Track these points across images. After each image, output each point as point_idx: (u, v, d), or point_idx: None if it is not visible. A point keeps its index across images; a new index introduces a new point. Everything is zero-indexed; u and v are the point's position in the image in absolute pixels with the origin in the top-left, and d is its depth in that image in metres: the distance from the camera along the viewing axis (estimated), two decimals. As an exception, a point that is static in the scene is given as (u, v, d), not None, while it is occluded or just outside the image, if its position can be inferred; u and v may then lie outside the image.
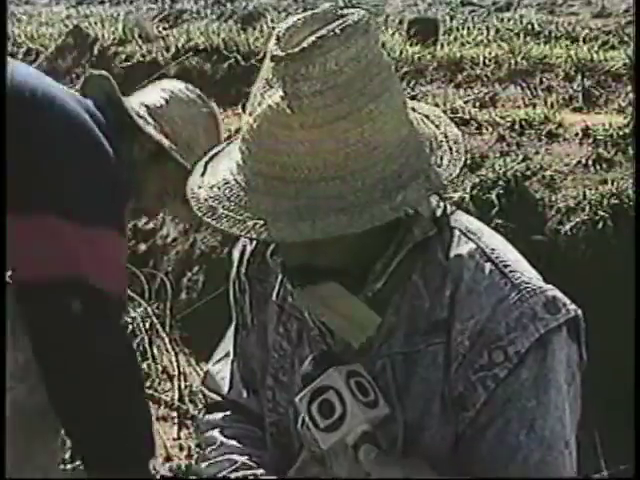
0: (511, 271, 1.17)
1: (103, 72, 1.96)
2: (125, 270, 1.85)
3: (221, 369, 1.50)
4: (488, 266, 1.17)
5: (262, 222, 1.06)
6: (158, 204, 2.03)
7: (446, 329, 1.16)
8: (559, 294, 1.17)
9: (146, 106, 1.92)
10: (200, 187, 1.14)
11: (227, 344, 1.50)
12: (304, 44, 1.03)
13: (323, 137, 1.04)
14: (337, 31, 1.04)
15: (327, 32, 1.04)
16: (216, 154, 1.21)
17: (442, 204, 1.25)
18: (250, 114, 1.09)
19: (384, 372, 1.20)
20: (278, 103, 1.04)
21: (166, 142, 1.88)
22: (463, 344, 1.15)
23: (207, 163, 1.19)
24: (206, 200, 1.11)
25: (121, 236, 1.80)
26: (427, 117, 1.19)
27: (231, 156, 1.15)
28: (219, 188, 1.12)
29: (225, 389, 1.48)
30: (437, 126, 1.18)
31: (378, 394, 1.15)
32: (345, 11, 1.09)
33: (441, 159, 1.13)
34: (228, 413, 1.47)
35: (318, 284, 1.18)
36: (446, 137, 1.16)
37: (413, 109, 1.19)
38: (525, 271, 1.19)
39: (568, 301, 1.17)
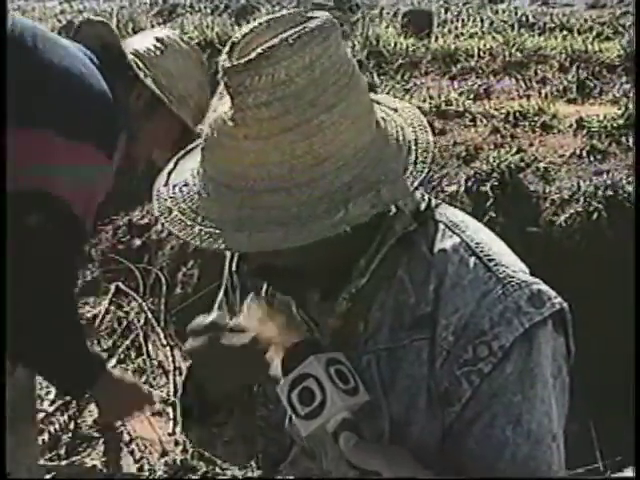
0: (495, 265, 1.16)
1: (100, 18, 1.96)
2: (96, 200, 1.80)
3: None
4: (472, 260, 1.16)
5: (208, 230, 1.06)
6: (147, 154, 2.02)
7: (430, 324, 1.16)
8: (544, 287, 1.16)
9: (140, 55, 1.91)
10: (165, 185, 1.14)
11: None
12: (252, 55, 1.01)
13: (268, 149, 1.02)
14: (290, 40, 1.01)
15: (280, 41, 1.01)
16: (189, 151, 1.21)
17: (426, 198, 1.24)
18: (208, 118, 1.09)
19: (369, 368, 1.19)
20: (225, 112, 1.03)
21: (163, 96, 1.89)
22: (447, 339, 1.14)
23: (178, 160, 1.19)
24: (165, 200, 1.11)
25: (107, 161, 1.78)
26: (395, 110, 1.17)
27: (196, 158, 1.14)
28: (180, 189, 1.12)
29: None
30: (402, 128, 1.15)
31: (358, 382, 1.15)
32: (310, 14, 1.07)
33: (405, 169, 1.09)
34: None
35: (279, 283, 1.19)
36: (415, 140, 1.13)
37: (377, 102, 1.16)
38: (510, 265, 1.17)
39: (553, 294, 1.16)
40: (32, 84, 1.72)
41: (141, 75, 1.86)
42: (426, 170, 1.09)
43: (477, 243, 1.18)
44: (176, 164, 1.18)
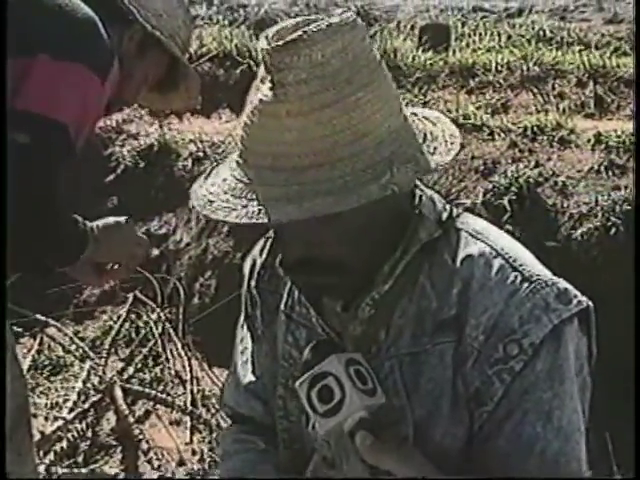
0: (521, 265, 1.18)
1: None
2: (88, 123, 1.79)
3: (231, 381, 1.53)
4: (498, 261, 1.19)
5: (254, 209, 1.09)
6: (137, 94, 2.06)
7: (456, 327, 1.18)
8: (570, 286, 1.18)
9: None
10: (201, 187, 1.18)
11: (235, 356, 1.53)
12: (288, 38, 1.07)
13: (310, 124, 1.07)
14: (322, 26, 1.07)
15: (313, 28, 1.08)
16: (218, 164, 1.24)
17: (448, 207, 1.27)
18: (245, 112, 1.12)
19: (392, 373, 1.22)
20: (266, 94, 1.08)
21: (157, 33, 1.94)
22: (478, 339, 1.16)
23: (212, 169, 1.23)
24: (204, 196, 1.15)
25: (99, 85, 1.77)
26: (426, 118, 1.22)
27: (232, 158, 1.19)
28: (218, 185, 1.15)
29: (232, 402, 1.52)
30: (434, 124, 1.21)
31: (376, 383, 1.17)
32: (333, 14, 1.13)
33: (434, 149, 1.15)
34: (238, 426, 1.51)
35: (318, 278, 1.20)
36: (442, 131, 1.19)
37: (414, 114, 1.21)
38: (534, 265, 1.20)
39: (579, 293, 1.18)
40: (17, 13, 1.73)
41: (137, 15, 1.91)
42: (456, 150, 1.16)
43: (502, 247, 1.21)
44: (210, 172, 1.21)
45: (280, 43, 1.07)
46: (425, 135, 1.17)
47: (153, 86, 2.04)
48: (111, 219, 1.94)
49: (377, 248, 1.20)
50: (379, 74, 1.12)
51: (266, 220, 1.08)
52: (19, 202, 1.63)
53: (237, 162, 1.15)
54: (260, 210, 1.08)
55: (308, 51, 1.06)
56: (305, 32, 1.07)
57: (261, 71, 1.11)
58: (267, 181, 1.10)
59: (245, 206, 1.09)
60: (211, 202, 1.13)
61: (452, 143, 1.17)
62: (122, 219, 1.96)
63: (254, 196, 1.10)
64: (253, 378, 1.47)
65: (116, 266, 2.01)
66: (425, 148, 1.15)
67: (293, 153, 1.08)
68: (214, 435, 3.14)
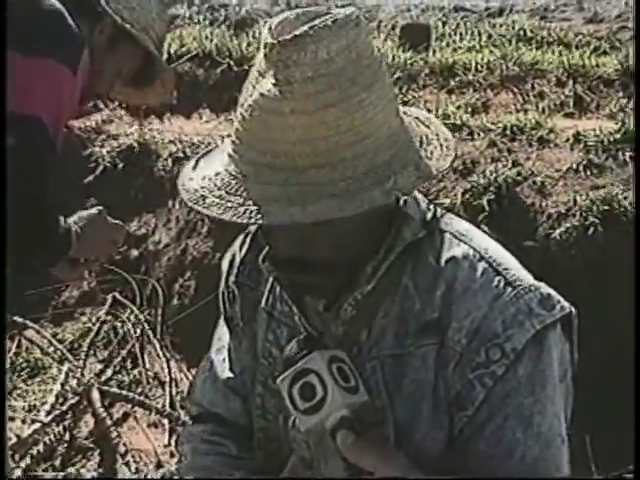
0: (505, 269, 1.18)
1: None
2: (64, 117, 1.78)
3: (206, 379, 1.51)
4: (482, 265, 1.18)
5: (253, 208, 1.06)
6: (110, 87, 2.05)
7: (438, 329, 1.17)
8: (553, 291, 1.18)
9: None
10: (191, 179, 1.15)
11: (211, 354, 1.51)
12: (296, 32, 1.05)
13: (314, 124, 1.05)
14: (329, 22, 1.06)
15: (319, 23, 1.06)
16: (208, 152, 1.22)
17: (432, 207, 1.26)
18: (241, 105, 1.10)
19: (374, 374, 1.21)
20: (269, 90, 1.05)
21: (127, 26, 1.92)
22: (460, 343, 1.15)
23: (199, 159, 1.20)
24: (196, 190, 1.12)
25: (71, 77, 1.76)
26: (417, 119, 1.21)
27: (223, 151, 1.16)
28: (210, 179, 1.12)
29: (206, 401, 1.49)
30: (427, 126, 1.20)
31: (359, 381, 1.16)
32: (335, 10, 1.11)
33: (431, 153, 1.14)
34: (209, 426, 1.47)
35: (306, 277, 1.19)
36: (437, 135, 1.18)
37: (405, 113, 1.20)
38: (518, 269, 1.20)
39: (562, 299, 1.18)
40: None
41: (107, 9, 1.89)
42: (452, 155, 1.16)
43: (485, 249, 1.21)
44: (197, 163, 1.19)
45: (288, 38, 1.05)
46: (421, 138, 1.17)
47: (128, 80, 2.02)
48: (84, 213, 1.92)
49: (363, 248, 1.20)
50: (381, 75, 1.11)
51: (267, 221, 1.06)
52: (15, 204, 1.62)
53: (230, 156, 1.12)
54: (258, 209, 1.06)
55: (314, 47, 1.04)
56: (312, 27, 1.05)
57: (260, 65, 1.08)
58: (265, 179, 1.07)
59: (242, 204, 1.07)
60: (204, 197, 1.10)
61: (447, 147, 1.16)
62: (94, 211, 1.94)
63: (250, 194, 1.08)
64: (232, 375, 1.46)
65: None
66: (423, 152, 1.14)
67: (294, 152, 1.06)
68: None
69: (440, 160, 1.14)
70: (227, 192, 1.09)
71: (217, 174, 1.12)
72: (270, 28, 1.08)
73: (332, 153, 1.06)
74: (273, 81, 1.05)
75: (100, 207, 1.97)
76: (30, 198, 1.66)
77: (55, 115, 1.71)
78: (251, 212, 1.06)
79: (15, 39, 1.69)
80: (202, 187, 1.12)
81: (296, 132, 1.05)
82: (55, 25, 1.75)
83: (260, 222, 1.06)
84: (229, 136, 1.15)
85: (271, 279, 1.33)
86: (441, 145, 1.16)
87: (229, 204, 1.08)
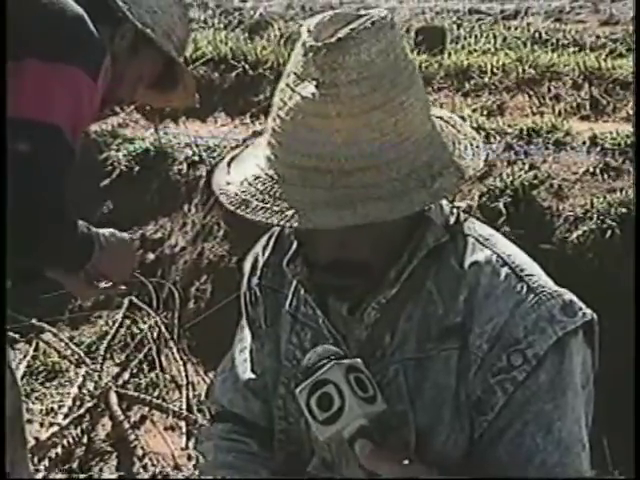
0: (527, 275, 1.19)
1: None
2: (83, 124, 1.78)
3: (226, 378, 1.52)
4: (504, 270, 1.19)
5: (301, 211, 1.07)
6: (131, 93, 2.04)
7: (460, 334, 1.18)
8: (575, 298, 1.19)
9: None
10: (229, 184, 1.15)
11: (233, 354, 1.52)
12: (339, 35, 1.06)
13: (359, 126, 1.06)
14: (368, 24, 1.07)
15: (359, 25, 1.07)
16: (235, 156, 1.23)
17: (455, 212, 1.27)
18: (279, 108, 1.10)
19: (397, 378, 1.22)
20: (314, 93, 1.06)
21: (148, 31, 1.91)
22: (481, 348, 1.16)
23: (229, 164, 1.20)
24: (237, 195, 1.12)
25: (92, 84, 1.75)
26: (442, 118, 1.22)
27: (256, 154, 1.16)
28: (250, 183, 1.12)
29: (225, 400, 1.50)
30: (453, 126, 1.21)
31: (377, 390, 1.17)
32: (363, 12, 1.12)
33: (465, 153, 1.16)
34: (228, 425, 1.48)
35: (346, 280, 1.20)
36: (465, 135, 1.19)
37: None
38: (540, 275, 1.21)
39: (583, 305, 1.19)
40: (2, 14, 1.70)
41: (128, 14, 1.87)
42: (484, 154, 1.18)
43: (508, 255, 1.22)
44: (229, 167, 1.19)
45: (332, 40, 1.06)
46: (452, 139, 1.18)
47: (151, 84, 2.02)
48: (116, 232, 1.92)
49: (391, 250, 1.21)
50: (416, 77, 1.12)
51: (317, 225, 1.07)
52: (29, 211, 1.62)
53: (269, 159, 1.13)
54: (306, 213, 1.07)
55: (356, 50, 1.06)
56: (353, 30, 1.06)
57: (298, 67, 1.09)
58: (311, 183, 1.08)
59: (288, 208, 1.08)
60: (246, 202, 1.10)
61: (477, 147, 1.18)
62: (127, 236, 1.95)
63: (296, 198, 1.08)
64: (253, 376, 1.46)
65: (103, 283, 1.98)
66: (457, 152, 1.15)
67: (340, 155, 1.07)
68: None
69: (475, 159, 1.15)
70: (270, 196, 1.09)
71: (257, 178, 1.12)
72: (309, 30, 1.09)
73: (377, 155, 1.07)
74: (317, 84, 1.06)
75: (132, 235, 1.97)
76: (47, 205, 1.66)
77: (73, 123, 1.70)
78: (300, 216, 1.06)
79: (35, 45, 1.69)
80: (242, 191, 1.12)
81: (342, 135, 1.06)
82: (77, 31, 1.74)
83: (309, 226, 1.07)
84: (257, 135, 1.15)
85: (295, 282, 1.34)
86: (471, 144, 1.18)
87: (275, 208, 1.08)
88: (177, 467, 3.09)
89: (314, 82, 1.06)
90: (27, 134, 1.63)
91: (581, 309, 1.18)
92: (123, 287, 2.05)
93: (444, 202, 1.28)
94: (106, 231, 1.88)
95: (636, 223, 3.13)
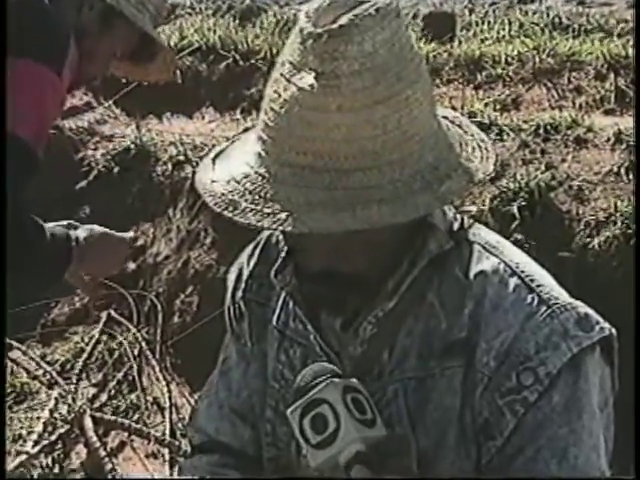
0: (538, 285, 1.19)
1: None
2: (48, 123, 1.79)
3: (211, 403, 1.51)
4: (513, 281, 1.19)
5: (295, 214, 1.06)
6: (104, 69, 2.05)
7: (465, 350, 1.18)
8: (591, 311, 1.19)
9: None
10: (214, 182, 1.14)
11: (218, 375, 1.51)
12: (341, 21, 1.05)
13: (360, 122, 1.06)
14: (372, 11, 1.06)
15: (362, 11, 1.06)
16: (221, 152, 1.22)
17: (459, 217, 1.27)
18: (272, 101, 1.10)
19: (396, 399, 1.22)
20: (312, 84, 1.06)
21: (116, 2, 1.91)
22: (488, 365, 1.16)
23: (214, 160, 1.20)
24: (224, 195, 1.11)
25: (54, 77, 1.76)
26: (446, 118, 1.22)
27: (245, 150, 1.15)
28: (238, 182, 1.12)
29: (212, 428, 1.49)
30: (459, 126, 1.21)
31: (376, 413, 1.16)
32: None
33: (473, 156, 1.16)
34: (215, 457, 1.47)
35: (337, 291, 1.19)
36: (472, 136, 1.20)
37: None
38: (553, 286, 1.21)
39: (601, 319, 1.19)
40: None
41: None
42: (493, 157, 1.17)
43: (517, 263, 1.21)
44: (213, 164, 1.18)
45: (334, 27, 1.05)
46: (459, 140, 1.18)
47: (125, 56, 2.02)
48: (96, 227, 1.94)
49: (389, 260, 1.21)
50: (423, 71, 1.12)
51: (312, 228, 1.06)
52: None
53: (260, 156, 1.12)
54: (301, 216, 1.06)
55: (359, 39, 1.05)
56: (356, 16, 1.06)
57: (294, 55, 1.08)
58: (306, 182, 1.07)
59: (281, 210, 1.07)
60: (234, 203, 1.09)
61: (486, 149, 1.18)
62: (105, 230, 1.97)
63: (293, 198, 1.07)
64: (240, 400, 1.46)
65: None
66: (464, 154, 1.16)
67: (339, 153, 1.06)
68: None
69: (484, 162, 1.15)
70: (261, 197, 1.09)
71: (246, 176, 1.12)
72: (308, 16, 1.08)
73: (379, 154, 1.07)
74: (315, 74, 1.06)
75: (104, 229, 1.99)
76: (5, 215, 1.66)
77: (36, 128, 1.71)
78: (294, 219, 1.05)
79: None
80: (230, 191, 1.11)
81: (341, 131, 1.06)
82: (34, 22, 1.74)
83: (305, 230, 1.06)
84: (245, 131, 1.15)
85: (283, 294, 1.34)
86: (479, 147, 1.18)
87: (267, 210, 1.07)
88: (159, 498, 3.10)
89: (312, 72, 1.06)
90: None
91: (598, 323, 1.17)
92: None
93: (447, 206, 1.28)
94: (83, 232, 1.90)
95: (636, 223, 3.13)
